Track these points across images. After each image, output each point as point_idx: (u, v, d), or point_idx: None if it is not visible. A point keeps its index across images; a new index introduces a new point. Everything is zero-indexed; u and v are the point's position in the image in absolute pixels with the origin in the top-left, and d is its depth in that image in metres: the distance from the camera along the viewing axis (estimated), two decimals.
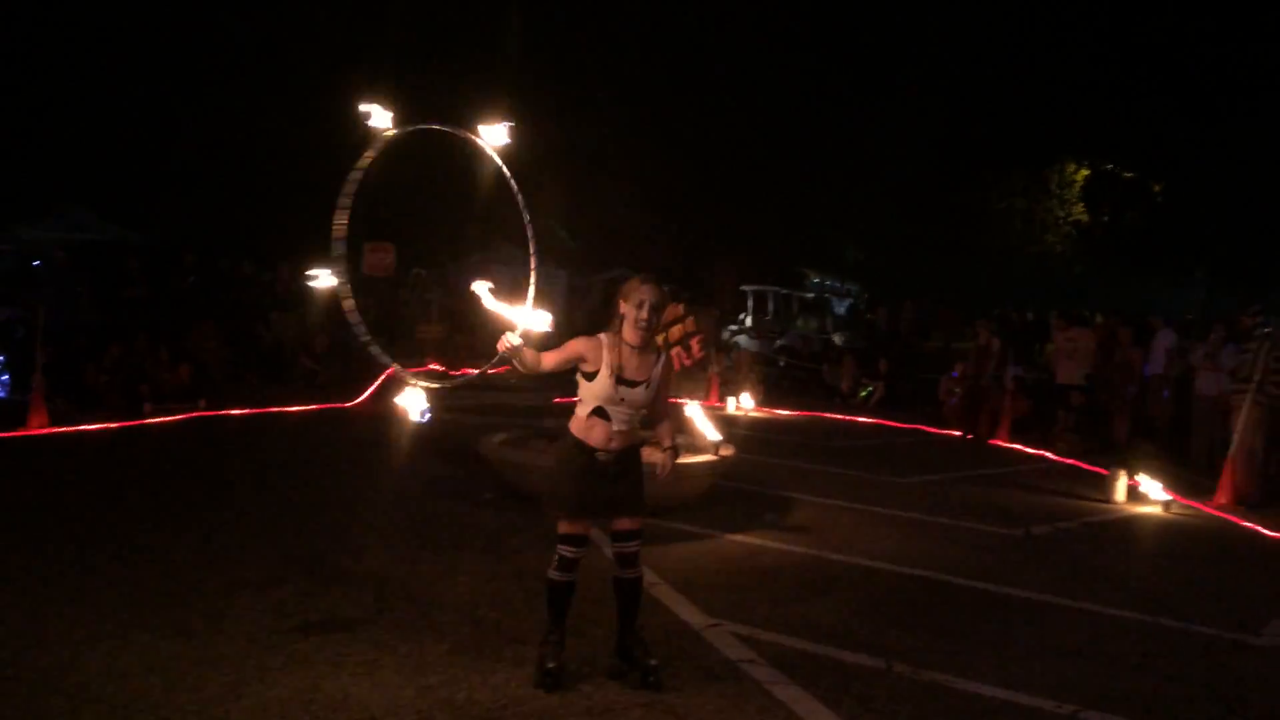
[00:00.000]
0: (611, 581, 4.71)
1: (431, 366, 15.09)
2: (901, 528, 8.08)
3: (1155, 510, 9.49)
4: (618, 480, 4.55)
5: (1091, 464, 11.76)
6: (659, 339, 9.12)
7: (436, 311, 19.93)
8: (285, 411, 12.77)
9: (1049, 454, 12.81)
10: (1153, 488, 9.67)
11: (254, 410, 12.52)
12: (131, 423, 11.24)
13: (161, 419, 11.61)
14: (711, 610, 5.71)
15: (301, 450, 10.52)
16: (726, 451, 8.74)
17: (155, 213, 25.69)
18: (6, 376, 12.77)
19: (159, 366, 12.71)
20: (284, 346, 16.61)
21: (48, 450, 9.73)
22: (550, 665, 4.50)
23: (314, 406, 13.27)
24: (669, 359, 4.74)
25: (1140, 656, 5.42)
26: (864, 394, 17.86)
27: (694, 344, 9.49)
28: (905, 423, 15.26)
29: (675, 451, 4.75)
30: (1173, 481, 9.99)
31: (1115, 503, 9.77)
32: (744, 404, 16.10)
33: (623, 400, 4.50)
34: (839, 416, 16.06)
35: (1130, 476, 9.96)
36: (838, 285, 31.81)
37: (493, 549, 6.89)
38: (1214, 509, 9.69)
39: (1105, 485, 10.08)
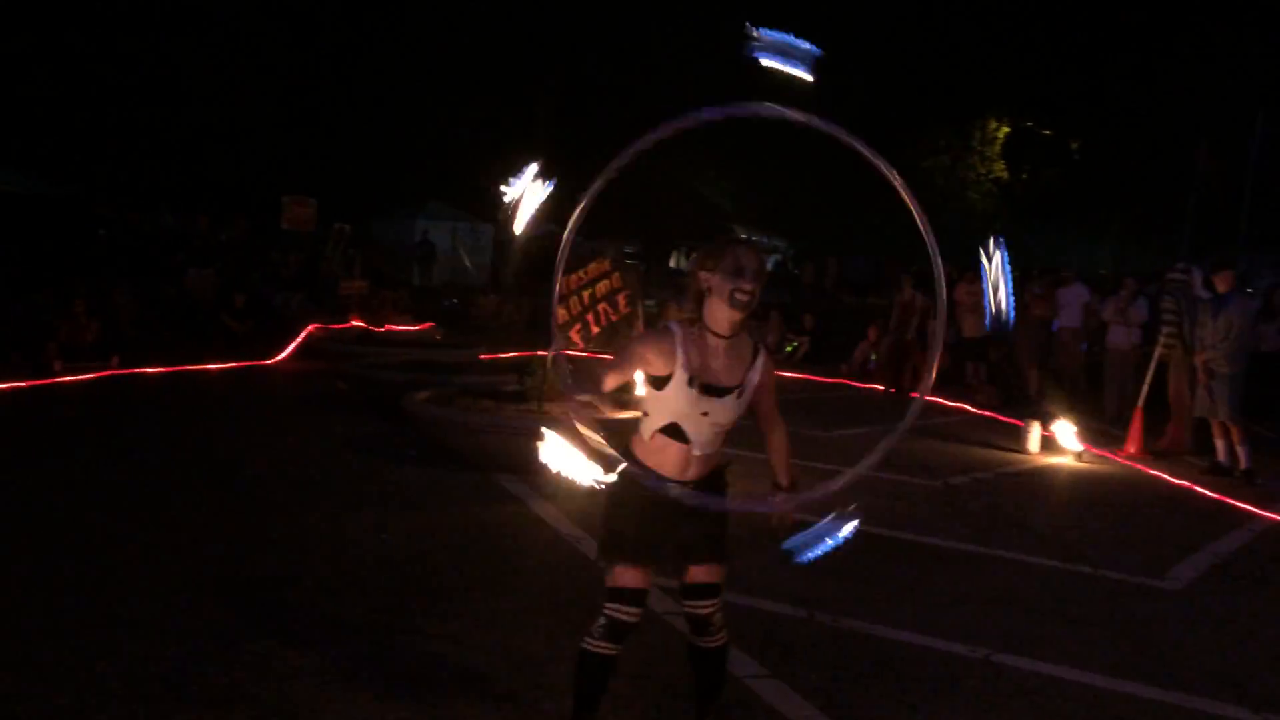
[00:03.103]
0: (687, 652, 3.59)
1: (355, 322, 14.85)
2: (825, 480, 8.19)
3: (1067, 460, 9.77)
4: (693, 519, 3.32)
5: (1008, 416, 12.05)
6: (585, 295, 9.09)
7: (359, 267, 19.60)
8: (203, 369, 12.49)
9: (968, 407, 13.10)
10: (1065, 438, 9.95)
11: (170, 368, 12.22)
12: (41, 381, 10.89)
13: (72, 377, 11.27)
14: None
15: (221, 408, 10.32)
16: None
17: (69, 163, 24.81)
18: None
19: (70, 323, 12.32)
20: (201, 302, 16.22)
21: None
22: None
23: (233, 364, 12.99)
24: (770, 359, 3.45)
25: (1052, 601, 5.61)
26: (789, 349, 18.05)
27: (620, 300, 9.48)
28: (830, 377, 15.47)
29: (795, 493, 3.49)
30: (1084, 432, 10.29)
31: (1030, 453, 10.04)
32: None
33: (706, 415, 3.28)
34: None
35: (1044, 428, 10.24)
36: (764, 241, 32.00)
37: (417, 506, 6.85)
38: (1123, 458, 10.01)
39: (1020, 436, 10.35)
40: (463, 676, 4.19)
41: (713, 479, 3.42)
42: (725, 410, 3.30)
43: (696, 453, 3.33)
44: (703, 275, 3.26)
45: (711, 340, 3.26)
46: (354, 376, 11.03)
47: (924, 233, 3.36)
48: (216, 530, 5.99)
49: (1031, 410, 11.36)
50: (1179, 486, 8.93)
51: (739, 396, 3.30)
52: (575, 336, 9.02)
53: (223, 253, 17.58)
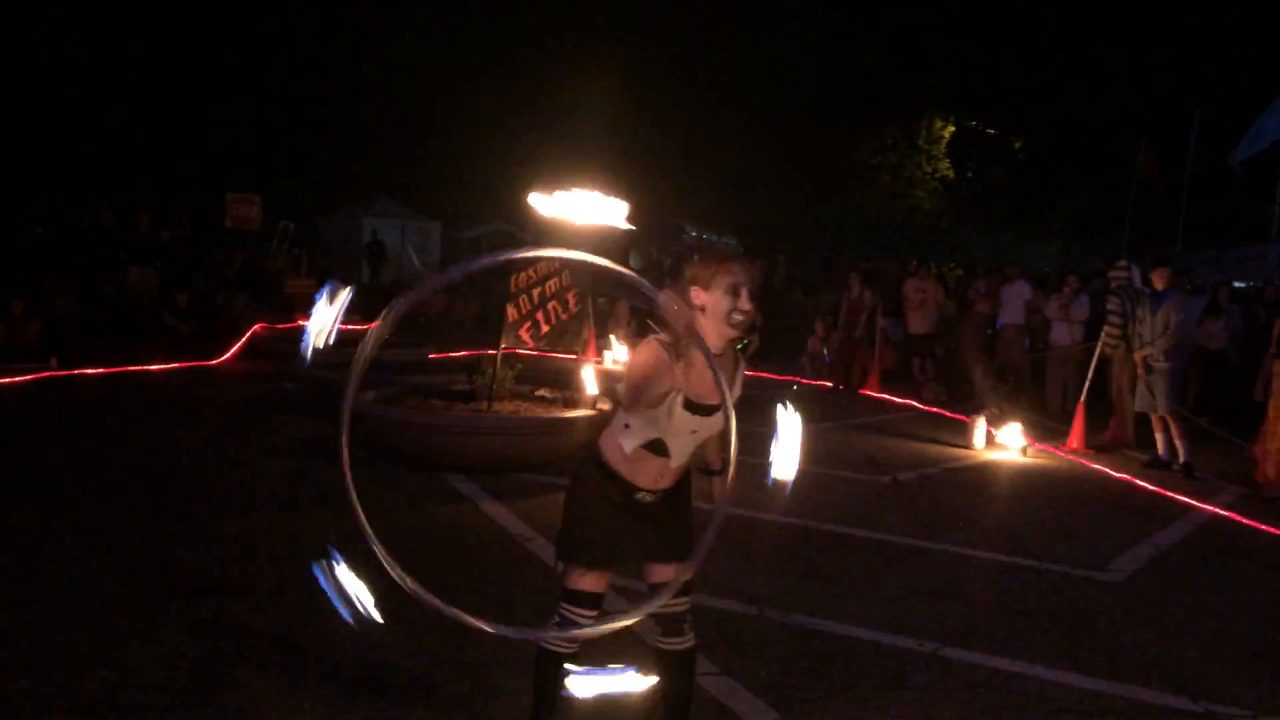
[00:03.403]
0: (654, 656, 3.46)
1: (301, 322, 14.66)
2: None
3: (1012, 455, 9.92)
4: (661, 520, 3.30)
5: (954, 412, 12.21)
6: (534, 293, 9.04)
7: (306, 265, 19.36)
8: (145, 370, 12.26)
9: (915, 403, 13.25)
10: (1010, 434, 10.10)
11: (111, 369, 11.98)
12: None
13: (9, 380, 11.00)
14: None
15: (164, 410, 10.13)
16: (605, 406, 8.76)
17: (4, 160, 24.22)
18: None
19: (7, 324, 12.02)
20: (143, 302, 15.91)
21: None
22: None
23: (176, 364, 12.77)
24: (743, 362, 3.43)
25: (996, 594, 5.69)
26: (740, 346, 18.10)
27: (570, 298, 9.43)
28: (779, 374, 15.54)
29: (726, 472, 3.24)
30: (1029, 427, 10.45)
31: (975, 449, 10.17)
32: (621, 358, 16.14)
33: (694, 432, 3.22)
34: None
35: (989, 424, 10.38)
36: (714, 239, 32.06)
37: (365, 508, 6.76)
38: (1066, 453, 10.17)
39: (966, 432, 10.48)
40: (411, 681, 4.15)
41: (678, 483, 3.34)
42: (712, 426, 3.24)
43: (674, 465, 3.26)
44: (696, 293, 3.15)
45: (701, 359, 3.10)
46: (300, 377, 10.89)
47: None
48: (156, 534, 5.88)
49: (977, 406, 11.51)
50: (1120, 480, 9.10)
51: (724, 412, 3.18)
52: (525, 335, 8.97)
53: (165, 251, 17.23)
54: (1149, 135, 19.76)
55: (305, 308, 15.65)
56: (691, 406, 3.14)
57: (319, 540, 5.88)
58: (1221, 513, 7.98)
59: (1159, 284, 9.68)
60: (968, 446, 10.23)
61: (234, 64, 27.85)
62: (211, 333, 14.40)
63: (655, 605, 3.16)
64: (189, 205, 21.28)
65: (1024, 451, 9.96)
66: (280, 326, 14.39)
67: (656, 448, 3.21)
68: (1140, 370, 9.59)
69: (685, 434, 3.20)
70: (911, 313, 14.62)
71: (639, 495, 3.24)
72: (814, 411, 12.14)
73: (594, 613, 3.34)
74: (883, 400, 13.56)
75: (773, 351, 17.63)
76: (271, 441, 8.72)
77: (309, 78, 28.87)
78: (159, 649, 4.26)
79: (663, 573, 3.30)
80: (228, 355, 13.53)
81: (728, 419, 3.14)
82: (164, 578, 5.17)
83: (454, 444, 7.86)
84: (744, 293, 3.14)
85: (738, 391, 3.28)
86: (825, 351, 15.69)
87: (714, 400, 3.17)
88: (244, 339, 13.90)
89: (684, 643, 3.38)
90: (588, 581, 3.31)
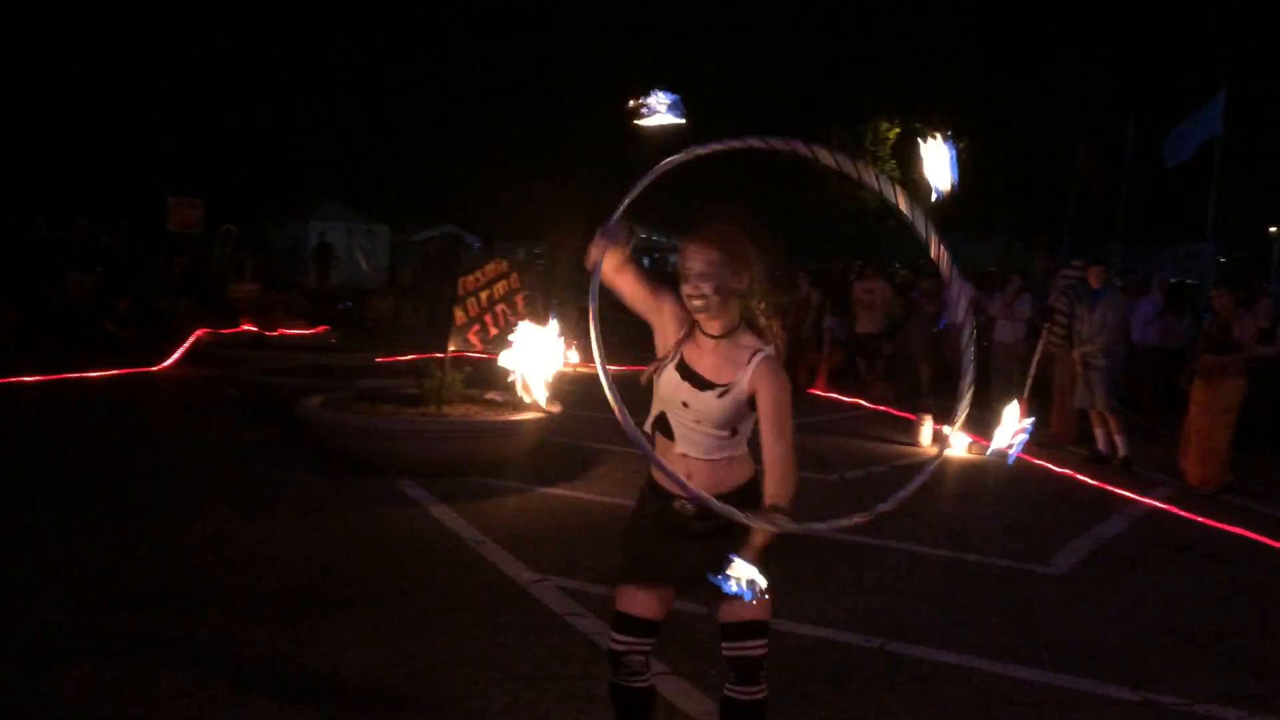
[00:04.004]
0: (719, 702, 3.12)
1: (245, 327, 14.46)
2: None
3: (958, 453, 10.05)
4: (709, 540, 2.93)
5: (901, 410, 12.35)
6: (483, 296, 9.01)
7: (249, 269, 19.09)
8: (85, 377, 12.02)
9: (862, 401, 13.39)
10: (955, 431, 10.22)
11: (49, 376, 11.72)
12: None
13: None
14: (538, 566, 5.73)
15: (106, 417, 9.94)
16: (554, 408, 8.75)
17: None
18: None
19: None
20: (82, 308, 15.61)
21: None
22: None
23: (117, 371, 12.53)
24: (775, 365, 3.00)
25: (943, 590, 5.77)
26: None
27: (518, 300, 9.42)
28: None
29: (777, 515, 2.78)
30: (973, 425, 10.59)
31: (922, 446, 10.31)
32: (570, 359, 16.14)
33: (686, 406, 2.97)
34: None
35: (935, 421, 10.52)
36: (664, 240, 32.14)
37: (313, 513, 6.71)
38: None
39: (913, 430, 10.61)
40: (361, 685, 4.12)
41: (732, 496, 2.91)
42: (706, 406, 2.92)
43: (679, 450, 2.98)
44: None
45: (702, 338, 3.00)
46: (246, 382, 10.75)
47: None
48: (100, 543, 5.77)
49: (924, 404, 11.66)
50: (1061, 475, 9.27)
51: (721, 396, 2.91)
52: (473, 338, 8.93)
53: (104, 257, 16.93)
54: (1088, 136, 20.17)
55: (249, 313, 15.49)
56: (683, 369, 2.97)
57: (266, 547, 5.83)
58: (1160, 506, 8.16)
59: (1095, 283, 9.89)
60: (914, 444, 10.36)
61: (176, 67, 27.39)
62: (153, 339, 14.15)
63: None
64: (129, 210, 20.91)
65: (969, 449, 10.10)
66: (224, 332, 14.18)
67: (662, 426, 3.03)
68: (1079, 367, 9.79)
69: (678, 404, 2.96)
70: (860, 312, 14.77)
71: (676, 504, 2.97)
72: None
73: (632, 640, 3.04)
74: (830, 399, 13.68)
75: None
76: (216, 448, 8.59)
77: (253, 80, 28.48)
78: (103, 659, 4.19)
79: (727, 610, 2.95)
80: (170, 361, 13.30)
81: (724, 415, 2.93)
82: (108, 586, 5.08)
83: (402, 448, 7.81)
84: (690, 276, 2.93)
85: (746, 380, 2.93)
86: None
87: (714, 379, 2.93)
88: (187, 345, 13.68)
89: (750, 694, 3.01)
90: (625, 601, 3.06)
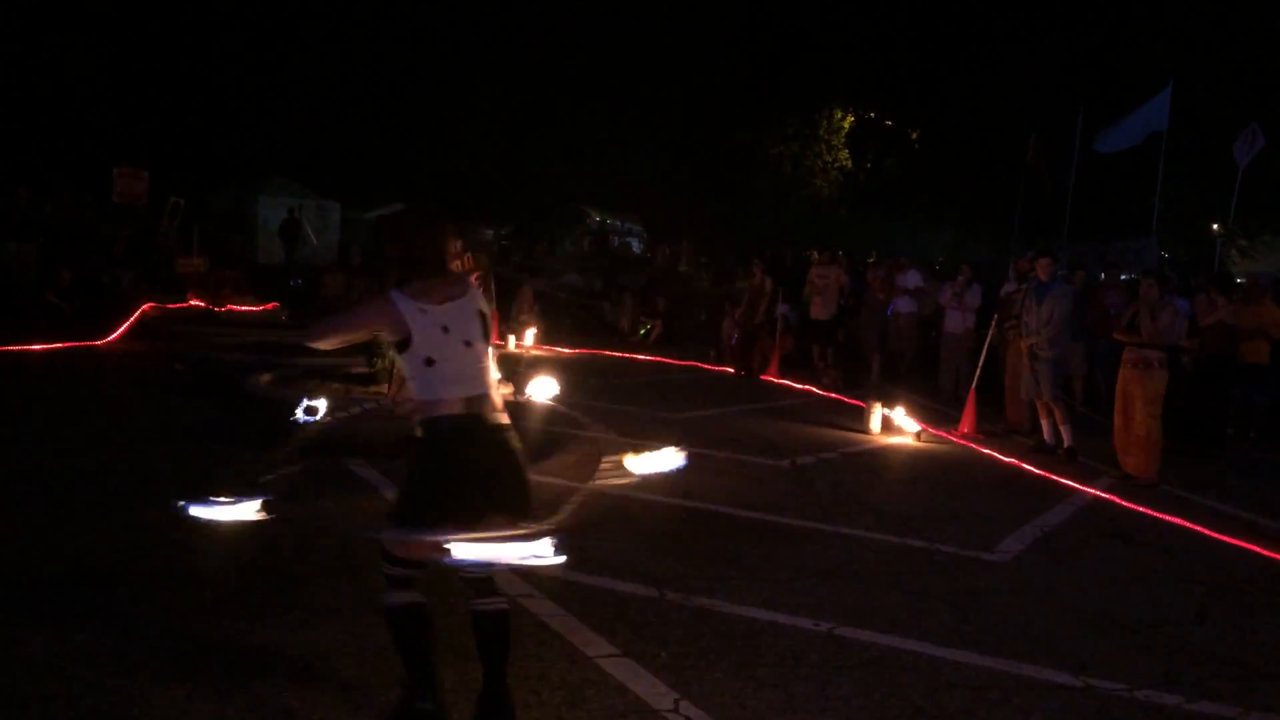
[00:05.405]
0: (473, 617, 3.68)
1: (193, 302, 14.23)
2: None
3: (907, 440, 10.18)
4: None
5: (851, 397, 12.46)
6: None
7: (198, 243, 18.76)
8: (26, 350, 11.75)
9: (814, 389, 13.49)
10: (904, 419, 10.36)
11: None
12: None
13: None
14: None
15: (48, 391, 9.73)
16: (506, 390, 8.69)
17: None
18: None
19: None
20: (22, 279, 15.22)
21: None
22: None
23: (59, 345, 12.26)
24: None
25: (890, 575, 5.84)
26: (643, 332, 18.20)
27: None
28: (682, 360, 15.67)
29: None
30: (922, 412, 10.73)
31: (872, 433, 10.41)
32: (524, 341, 16.09)
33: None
34: (618, 354, 16.31)
35: (885, 409, 10.62)
36: (618, 224, 32.08)
37: (258, 492, 6.60)
38: (959, 438, 10.48)
39: (863, 417, 10.71)
40: (306, 667, 4.08)
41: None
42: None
43: None
44: None
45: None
46: (193, 358, 10.58)
47: None
48: (40, 523, 5.65)
49: (874, 392, 11.78)
50: (1008, 464, 9.41)
51: None
52: None
53: (46, 226, 16.52)
54: (1037, 130, 20.42)
55: (197, 287, 15.23)
56: None
57: (211, 526, 5.74)
58: (1103, 495, 8.32)
59: (1043, 275, 10.03)
60: (865, 431, 10.47)
61: (124, 35, 26.75)
62: (97, 312, 13.87)
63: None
64: (70, 179, 20.42)
65: (918, 436, 10.23)
66: (170, 306, 13.94)
67: None
68: (1025, 358, 9.94)
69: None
70: (814, 299, 14.87)
71: None
72: (716, 397, 12.30)
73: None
74: (783, 386, 13.77)
75: (678, 337, 17.81)
76: (162, 425, 8.44)
77: (204, 51, 27.91)
78: (38, 646, 4.10)
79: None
80: (115, 335, 13.05)
81: None
82: (49, 567, 4.98)
83: (353, 428, 7.71)
84: None
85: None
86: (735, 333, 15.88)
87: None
88: (132, 319, 13.43)
89: (498, 603, 3.61)
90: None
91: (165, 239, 18.80)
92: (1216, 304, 10.80)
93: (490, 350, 3.61)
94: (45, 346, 12.06)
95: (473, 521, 3.37)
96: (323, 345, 3.63)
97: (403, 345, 3.45)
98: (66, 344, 12.36)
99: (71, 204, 18.20)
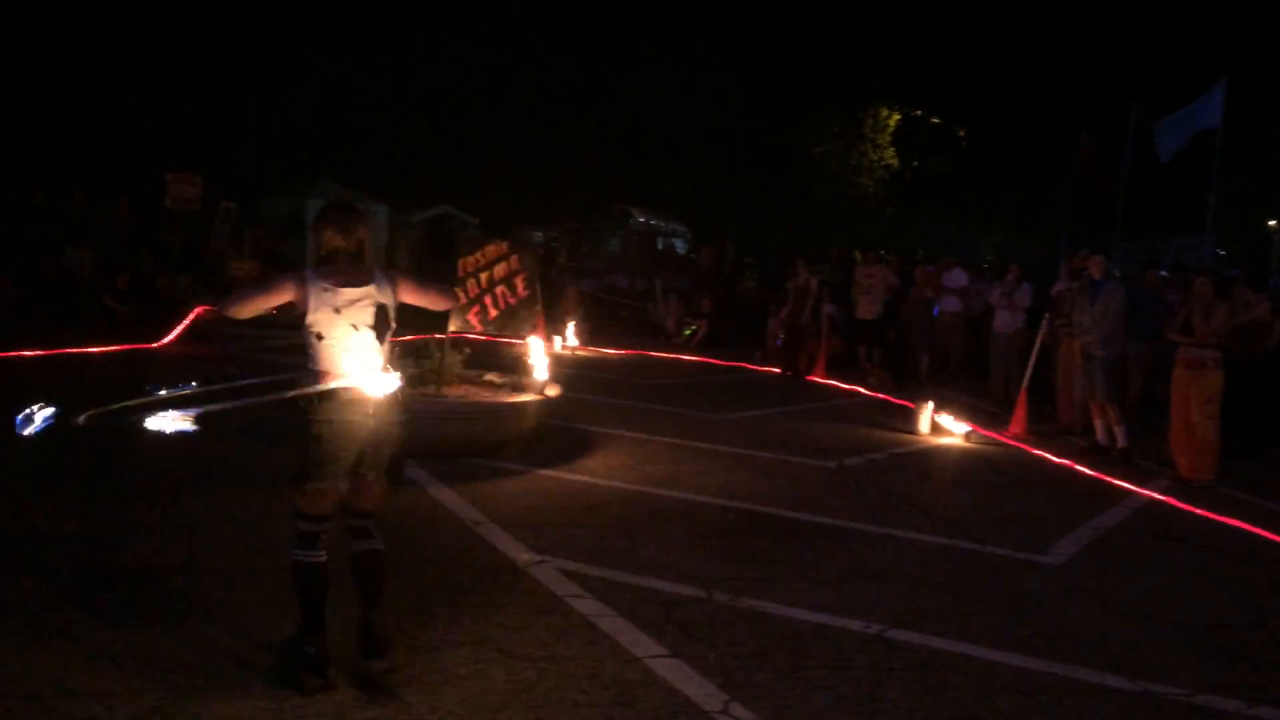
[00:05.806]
0: (352, 558, 4.15)
1: None
2: (723, 462, 8.32)
3: (956, 441, 10.07)
4: None
5: (899, 398, 12.36)
6: (482, 277, 9.01)
7: (249, 247, 19.02)
8: (84, 353, 12.00)
9: (861, 389, 13.39)
10: (953, 420, 10.25)
11: (48, 351, 11.70)
12: None
13: None
14: (538, 547, 5.74)
15: (105, 392, 9.90)
16: (553, 390, 8.75)
17: None
18: None
19: None
20: (79, 283, 15.54)
21: None
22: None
23: (116, 347, 12.51)
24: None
25: (940, 577, 5.78)
26: (688, 333, 18.18)
27: (518, 282, 9.41)
28: (728, 360, 15.64)
29: None
30: (972, 413, 10.61)
31: (920, 434, 10.32)
32: (570, 342, 16.14)
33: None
34: (663, 354, 16.31)
35: (934, 409, 10.52)
36: (663, 225, 32.04)
37: None
38: (1009, 438, 10.36)
39: (911, 418, 10.62)
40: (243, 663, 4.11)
41: None
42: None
43: None
44: None
45: None
46: (245, 360, 10.74)
47: None
48: (94, 518, 5.77)
49: (922, 392, 11.67)
50: (1060, 465, 9.28)
51: None
52: (473, 319, 8.93)
53: (102, 231, 16.83)
54: (1088, 127, 20.12)
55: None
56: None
57: (262, 523, 5.82)
58: (1158, 497, 8.18)
59: (1096, 273, 9.88)
60: (913, 432, 10.37)
61: (176, 43, 27.25)
62: (153, 315, 14.12)
63: None
64: (125, 184, 20.79)
65: (967, 437, 10.12)
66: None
67: None
68: (1079, 358, 9.79)
69: None
70: (860, 299, 14.78)
71: None
72: (763, 398, 12.26)
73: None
74: (830, 386, 13.69)
75: (723, 338, 17.77)
76: (214, 425, 8.55)
77: (254, 56, 28.34)
78: (96, 643, 4.19)
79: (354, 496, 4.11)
80: (169, 338, 13.28)
81: None
82: (105, 559, 5.08)
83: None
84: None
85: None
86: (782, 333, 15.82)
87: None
88: (186, 322, 13.66)
89: (375, 543, 4.12)
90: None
91: (218, 242, 19.08)
92: (1249, 301, 10.53)
93: (385, 337, 4.02)
94: (102, 349, 12.30)
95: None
96: (239, 315, 4.12)
97: (302, 318, 3.96)
98: (123, 346, 12.61)
99: (126, 208, 18.53)
